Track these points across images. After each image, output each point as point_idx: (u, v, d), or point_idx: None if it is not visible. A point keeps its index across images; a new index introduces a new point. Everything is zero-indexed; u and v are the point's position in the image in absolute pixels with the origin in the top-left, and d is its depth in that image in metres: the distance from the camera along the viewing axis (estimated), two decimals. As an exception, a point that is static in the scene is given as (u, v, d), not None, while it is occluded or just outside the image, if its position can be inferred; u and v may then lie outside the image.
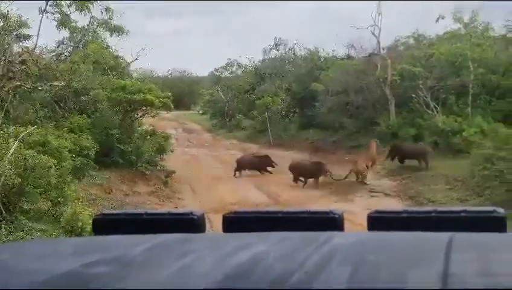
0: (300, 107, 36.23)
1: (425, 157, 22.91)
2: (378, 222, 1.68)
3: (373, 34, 30.15)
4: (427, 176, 21.70)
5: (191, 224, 1.75)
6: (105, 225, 1.82)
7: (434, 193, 19.79)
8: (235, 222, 1.78)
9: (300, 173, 23.15)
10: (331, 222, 1.70)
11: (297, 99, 36.51)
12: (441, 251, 1.18)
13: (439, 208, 1.67)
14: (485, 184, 18.13)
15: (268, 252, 1.28)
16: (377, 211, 1.72)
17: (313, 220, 1.72)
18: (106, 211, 1.95)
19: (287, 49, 42.28)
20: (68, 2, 21.77)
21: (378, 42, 30.48)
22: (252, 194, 21.28)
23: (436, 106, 26.19)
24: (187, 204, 19.44)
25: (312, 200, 20.23)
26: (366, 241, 1.42)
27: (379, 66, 29.35)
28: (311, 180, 22.83)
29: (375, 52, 30.59)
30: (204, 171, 25.92)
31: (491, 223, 1.58)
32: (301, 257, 1.22)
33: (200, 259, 1.28)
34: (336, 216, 1.72)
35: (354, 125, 30.46)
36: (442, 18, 27.52)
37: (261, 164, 25.59)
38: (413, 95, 26.58)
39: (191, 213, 1.78)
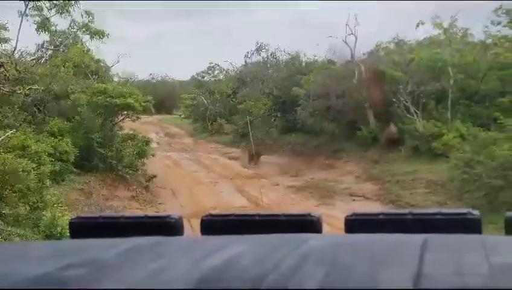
0: (282, 112, 36.32)
1: None
2: (356, 224, 1.68)
3: (346, 43, 30.72)
4: (407, 180, 21.87)
5: (168, 227, 1.75)
6: (81, 228, 1.81)
7: (414, 196, 19.96)
8: (213, 225, 1.77)
9: None
10: (309, 225, 1.71)
11: (279, 104, 36.61)
12: (415, 253, 1.18)
13: (415, 210, 1.68)
14: (464, 188, 18.30)
15: (244, 254, 1.28)
16: (354, 214, 1.72)
17: (290, 223, 1.72)
18: (83, 215, 1.94)
19: (268, 54, 42.44)
20: (48, 5, 21.58)
21: (352, 50, 30.97)
22: (233, 198, 21.28)
23: (417, 111, 26.42)
24: (168, 208, 19.36)
25: (293, 204, 20.30)
26: (342, 243, 1.42)
27: (356, 73, 29.66)
28: None
29: (351, 59, 30.96)
30: (186, 176, 25.86)
31: (466, 225, 1.60)
32: (276, 258, 1.22)
33: (175, 261, 1.28)
34: (314, 219, 1.73)
35: (336, 129, 30.59)
36: (422, 24, 27.81)
37: None
38: (394, 100, 26.80)
39: (169, 217, 1.78)
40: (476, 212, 1.64)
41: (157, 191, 22.69)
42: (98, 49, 26.96)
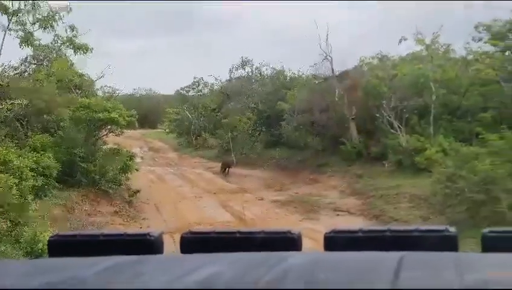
0: (267, 126, 36.43)
1: None
2: (335, 241, 1.70)
3: (327, 58, 30.93)
4: (391, 195, 21.96)
5: (148, 245, 1.74)
6: (60, 246, 1.80)
7: (398, 211, 20.04)
8: (193, 242, 1.78)
9: None
10: (289, 242, 1.72)
11: (263, 118, 36.71)
12: (391, 270, 1.20)
13: (393, 227, 1.70)
14: (446, 202, 18.41)
15: (223, 273, 1.29)
16: (333, 231, 1.74)
17: (271, 240, 1.73)
18: (61, 233, 1.93)
19: (253, 69, 42.58)
20: (31, 19, 21.51)
21: (331, 67, 31.23)
22: (217, 213, 21.21)
23: (400, 126, 26.64)
24: (152, 224, 19.23)
25: (277, 218, 20.29)
26: (320, 261, 1.43)
27: (339, 88, 29.93)
28: None
29: (332, 74, 31.26)
30: (170, 190, 25.75)
31: (443, 242, 1.62)
32: (254, 277, 1.23)
33: (153, 281, 1.28)
34: (294, 236, 1.74)
35: (320, 144, 30.71)
36: (405, 40, 28.12)
37: None
38: (377, 115, 27.02)
39: (149, 234, 1.78)
40: (452, 229, 1.67)
41: (141, 206, 22.54)
42: (82, 63, 26.78)
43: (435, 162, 20.03)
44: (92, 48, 23.38)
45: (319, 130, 31.04)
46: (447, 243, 1.62)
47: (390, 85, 27.97)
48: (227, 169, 31.02)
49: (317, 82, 31.78)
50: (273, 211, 21.64)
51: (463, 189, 17.41)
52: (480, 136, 19.17)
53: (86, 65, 26.91)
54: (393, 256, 1.34)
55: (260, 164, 32.07)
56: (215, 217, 20.44)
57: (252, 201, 23.24)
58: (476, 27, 25.91)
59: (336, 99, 29.79)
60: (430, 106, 26.30)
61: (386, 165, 25.78)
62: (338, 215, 20.96)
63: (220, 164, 31.93)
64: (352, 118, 29.10)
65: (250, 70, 42.55)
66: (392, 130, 26.59)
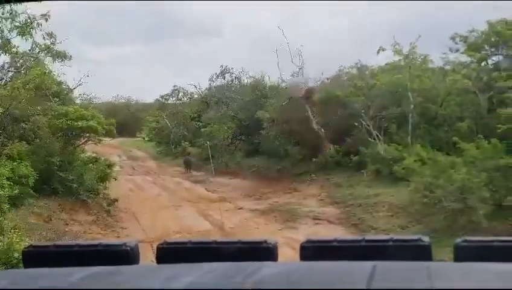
0: (246, 135, 36.41)
1: None
2: (310, 251, 1.71)
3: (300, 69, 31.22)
4: (369, 204, 22.07)
5: (124, 256, 1.74)
6: (35, 257, 1.78)
7: (376, 220, 20.15)
8: (169, 253, 1.77)
9: None
10: (265, 252, 1.73)
11: (243, 127, 36.68)
12: (363, 280, 1.21)
13: (368, 237, 1.72)
14: (424, 211, 18.57)
15: (198, 282, 1.29)
16: (309, 241, 1.75)
17: (247, 250, 1.73)
18: (36, 243, 1.91)
19: (233, 77, 42.56)
20: (9, 26, 21.29)
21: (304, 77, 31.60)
22: (196, 222, 21.13)
23: (379, 135, 26.84)
24: (130, 233, 19.10)
25: (257, 227, 20.27)
26: (294, 271, 1.44)
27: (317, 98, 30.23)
28: None
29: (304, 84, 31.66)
30: (149, 199, 25.59)
31: (417, 252, 1.64)
32: (229, 286, 1.24)
33: None
34: (270, 246, 1.75)
35: (299, 153, 30.79)
36: (383, 50, 28.36)
37: None
38: (356, 124, 27.19)
39: (124, 244, 1.77)
40: (426, 238, 1.69)
41: (119, 215, 22.37)
42: (60, 71, 26.54)
43: (412, 171, 20.17)
44: (71, 56, 23.24)
45: (298, 139, 31.14)
46: (421, 252, 1.64)
47: (368, 94, 28.20)
48: (189, 168, 35.02)
49: (284, 103, 31.89)
50: (252, 220, 21.62)
51: (440, 198, 17.59)
52: (457, 146, 19.38)
53: (64, 73, 26.62)
54: (366, 265, 1.35)
55: (239, 173, 32.04)
56: (194, 226, 20.36)
57: (232, 210, 23.20)
58: (453, 38, 26.31)
59: (316, 107, 29.95)
60: (408, 115, 26.56)
61: (365, 174, 25.92)
62: (317, 224, 20.99)
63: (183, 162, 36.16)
64: (322, 130, 29.37)
65: (230, 79, 42.54)
66: (370, 139, 26.78)
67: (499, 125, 19.94)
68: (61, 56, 23.09)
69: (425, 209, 18.52)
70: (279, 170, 30.82)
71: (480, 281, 1.27)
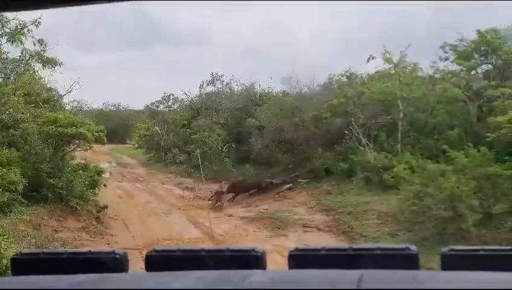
0: (236, 142, 36.41)
1: None
2: (299, 259, 1.72)
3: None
4: (359, 211, 22.12)
5: (113, 264, 1.74)
6: (24, 265, 1.78)
7: (366, 228, 20.19)
8: (158, 261, 1.78)
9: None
10: (253, 260, 1.74)
11: (233, 134, 36.70)
12: (350, 288, 1.23)
13: (356, 246, 1.74)
14: (414, 219, 18.63)
15: None
16: (297, 249, 1.77)
17: (235, 258, 1.74)
18: (25, 251, 1.91)
19: (223, 85, 42.59)
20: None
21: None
22: (186, 230, 21.09)
23: (368, 143, 26.93)
24: (120, 240, 19.02)
25: (246, 235, 20.26)
26: (281, 279, 1.45)
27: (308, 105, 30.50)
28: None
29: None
30: (138, 206, 25.52)
31: (404, 260, 1.66)
32: None
33: None
34: (258, 254, 1.76)
35: (289, 160, 30.82)
36: (373, 58, 28.47)
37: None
38: (346, 132, 27.28)
39: (113, 252, 1.78)
40: (413, 247, 1.71)
41: (109, 222, 22.28)
42: (50, 77, 26.46)
43: (402, 179, 20.26)
44: (61, 62, 23.16)
45: (288, 147, 31.19)
46: (407, 261, 1.65)
47: (358, 102, 28.31)
48: (219, 199, 26.79)
49: (290, 97, 32.09)
50: (242, 228, 21.60)
51: (429, 206, 17.65)
52: (446, 154, 19.49)
53: (55, 80, 26.59)
54: (353, 274, 1.37)
55: (229, 180, 32.00)
56: (184, 233, 20.32)
57: (221, 218, 23.18)
58: (443, 47, 26.50)
59: (307, 114, 30.07)
60: (397, 123, 26.69)
61: (355, 181, 25.98)
62: (307, 231, 21.00)
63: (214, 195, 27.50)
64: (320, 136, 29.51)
65: (220, 86, 42.58)
66: (360, 147, 26.87)
67: (488, 134, 20.07)
68: (51, 62, 23.00)
69: (414, 217, 18.59)
70: (268, 177, 30.82)
71: None
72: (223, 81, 42.20)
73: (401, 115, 26.57)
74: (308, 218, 22.88)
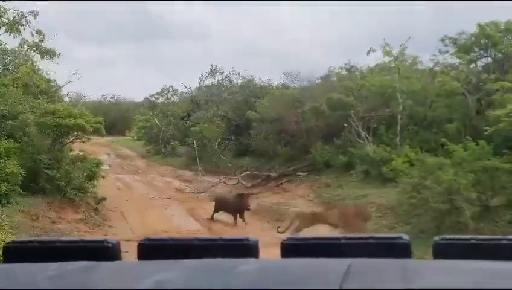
0: (236, 135, 36.43)
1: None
2: (291, 248, 1.73)
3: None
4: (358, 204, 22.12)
5: (105, 252, 1.74)
6: (16, 253, 1.78)
7: (364, 220, 20.17)
8: (150, 250, 1.78)
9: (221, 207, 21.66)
10: (246, 249, 1.74)
11: (233, 127, 36.71)
12: (338, 277, 1.22)
13: (348, 235, 1.74)
14: (412, 212, 18.67)
15: (175, 278, 1.30)
16: (290, 239, 1.77)
17: (228, 247, 1.74)
18: (18, 239, 1.91)
19: (223, 77, 42.54)
20: (-2, 23, 21.15)
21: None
22: (185, 222, 21.12)
23: (367, 136, 26.92)
24: (118, 232, 19.03)
25: (244, 227, 20.31)
26: (272, 268, 1.45)
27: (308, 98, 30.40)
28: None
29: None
30: (137, 198, 25.53)
31: (397, 250, 1.66)
32: (208, 283, 1.24)
33: (105, 286, 1.28)
34: (251, 243, 1.76)
35: (289, 153, 30.84)
36: (373, 51, 28.41)
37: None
38: (345, 125, 27.27)
39: (105, 241, 1.77)
40: (405, 236, 1.71)
41: (107, 214, 22.30)
42: (49, 69, 26.41)
43: (401, 172, 20.26)
44: (60, 53, 23.10)
45: (288, 140, 31.21)
46: (400, 250, 1.65)
47: (358, 95, 28.28)
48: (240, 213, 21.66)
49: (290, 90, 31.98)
50: (240, 220, 21.61)
51: (428, 199, 17.68)
52: (445, 147, 19.49)
53: (52, 70, 26.54)
54: (342, 262, 1.37)
55: (229, 173, 32.02)
56: (183, 225, 20.35)
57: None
58: (443, 40, 26.45)
59: (307, 107, 30.01)
60: (397, 116, 26.67)
61: (354, 174, 25.99)
62: (305, 224, 21.00)
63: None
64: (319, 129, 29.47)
65: (220, 78, 42.52)
66: (359, 140, 26.86)
67: (487, 128, 20.06)
68: (49, 53, 22.94)
69: (413, 210, 18.63)
70: (268, 170, 30.84)
71: (454, 278, 1.29)
72: (223, 73, 42.18)
73: (401, 108, 26.54)
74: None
